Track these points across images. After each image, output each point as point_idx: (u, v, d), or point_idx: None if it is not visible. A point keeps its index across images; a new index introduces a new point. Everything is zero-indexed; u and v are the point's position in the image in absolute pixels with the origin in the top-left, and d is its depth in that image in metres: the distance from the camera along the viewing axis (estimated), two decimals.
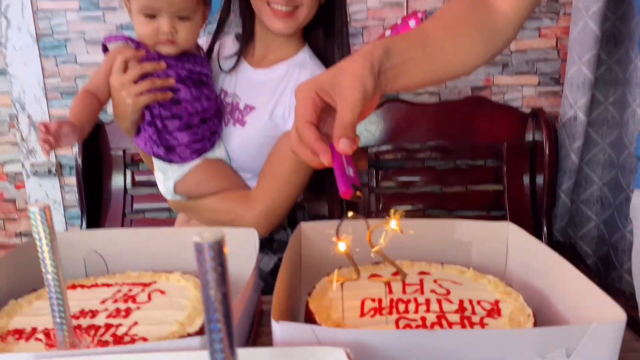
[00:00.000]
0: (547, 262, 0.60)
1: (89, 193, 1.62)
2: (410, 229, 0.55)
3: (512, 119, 1.56)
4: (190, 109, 0.95)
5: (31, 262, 0.67)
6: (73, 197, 1.81)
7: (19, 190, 1.84)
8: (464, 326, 0.51)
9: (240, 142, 1.00)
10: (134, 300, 0.56)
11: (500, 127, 1.56)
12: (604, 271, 1.65)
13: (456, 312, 0.54)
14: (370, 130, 1.58)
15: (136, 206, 1.66)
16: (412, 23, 1.45)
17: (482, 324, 0.52)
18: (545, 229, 1.53)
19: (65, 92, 1.73)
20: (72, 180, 1.79)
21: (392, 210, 0.53)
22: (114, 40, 0.95)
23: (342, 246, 0.49)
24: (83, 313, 0.54)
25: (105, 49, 0.96)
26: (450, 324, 0.51)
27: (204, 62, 1.00)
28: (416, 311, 0.54)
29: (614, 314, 0.44)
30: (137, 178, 1.66)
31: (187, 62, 0.95)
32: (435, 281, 0.61)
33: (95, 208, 1.66)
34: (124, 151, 1.66)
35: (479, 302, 0.56)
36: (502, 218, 1.55)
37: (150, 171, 1.65)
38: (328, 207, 1.56)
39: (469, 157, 1.62)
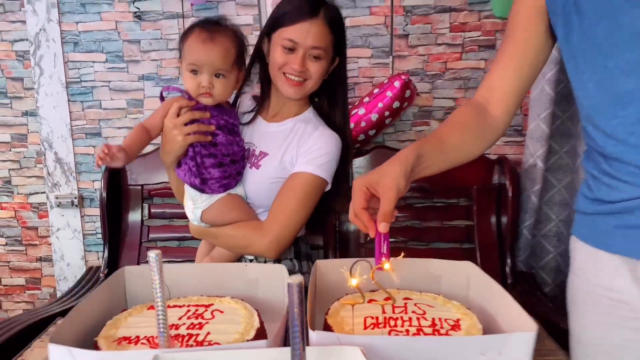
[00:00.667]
0: (495, 292, 0.84)
1: (110, 223, 1.83)
2: (398, 266, 0.78)
3: (481, 165, 1.81)
4: (224, 151, 1.18)
5: (118, 290, 0.89)
6: (91, 226, 2.01)
7: (41, 219, 2.04)
8: (434, 335, 0.74)
9: (255, 181, 1.22)
10: (202, 317, 0.78)
11: (471, 172, 1.81)
12: (560, 297, 1.89)
13: (429, 326, 0.77)
14: (360, 172, 1.83)
15: (151, 236, 1.87)
16: (397, 84, 1.71)
17: (447, 334, 0.75)
18: (509, 260, 1.78)
19: (89, 133, 1.94)
20: (91, 211, 2.00)
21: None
22: (170, 90, 1.21)
23: (354, 282, 0.72)
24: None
25: (162, 98, 1.21)
26: (425, 334, 0.74)
27: (236, 115, 1.24)
28: (402, 325, 0.77)
29: (530, 327, 0.67)
30: (153, 211, 1.87)
31: (224, 114, 1.19)
32: (415, 304, 0.84)
33: (115, 236, 1.87)
34: (142, 187, 1.87)
35: (445, 320, 0.79)
36: (472, 250, 1.79)
37: (164, 205, 1.88)
38: (323, 240, 1.80)
39: (444, 197, 1.86)
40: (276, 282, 0.89)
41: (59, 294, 2.03)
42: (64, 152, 1.94)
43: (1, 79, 1.93)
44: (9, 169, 2.00)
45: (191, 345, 0.70)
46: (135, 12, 1.84)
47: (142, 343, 0.71)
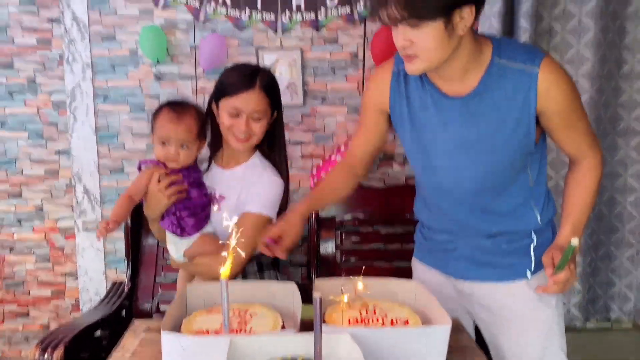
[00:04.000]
0: (432, 302, 1.30)
1: (132, 245, 2.23)
2: (369, 283, 1.24)
3: None
4: (197, 202, 1.51)
5: (190, 302, 1.32)
6: (112, 246, 2.40)
7: (67, 241, 2.41)
8: (392, 327, 1.20)
9: (217, 220, 1.52)
10: (244, 317, 1.21)
11: None
12: None
13: (390, 323, 1.22)
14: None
15: (166, 255, 2.27)
16: (338, 157, 2.16)
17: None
18: None
19: (114, 170, 2.34)
20: (113, 234, 2.38)
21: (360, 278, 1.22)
22: (147, 163, 1.53)
23: (345, 298, 1.17)
24: (222, 325, 1.19)
25: (139, 168, 1.53)
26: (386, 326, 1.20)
27: (199, 169, 1.56)
28: (373, 322, 1.22)
29: (446, 322, 1.14)
30: None
31: (192, 171, 1.52)
32: (381, 309, 1.29)
33: (135, 256, 2.26)
34: None
35: (399, 320, 1.24)
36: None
37: None
38: (307, 259, 2.24)
39: (404, 224, 2.32)
40: (287, 294, 1.33)
41: (81, 303, 2.41)
42: (91, 185, 2.33)
43: (39, 124, 2.31)
44: (42, 198, 2.37)
45: None
46: (156, 74, 2.26)
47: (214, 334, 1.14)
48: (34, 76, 2.28)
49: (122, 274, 2.39)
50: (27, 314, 2.45)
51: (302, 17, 2.19)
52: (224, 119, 1.50)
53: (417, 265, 1.60)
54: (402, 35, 1.17)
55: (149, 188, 1.48)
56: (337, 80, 2.28)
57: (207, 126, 1.55)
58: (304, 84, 2.27)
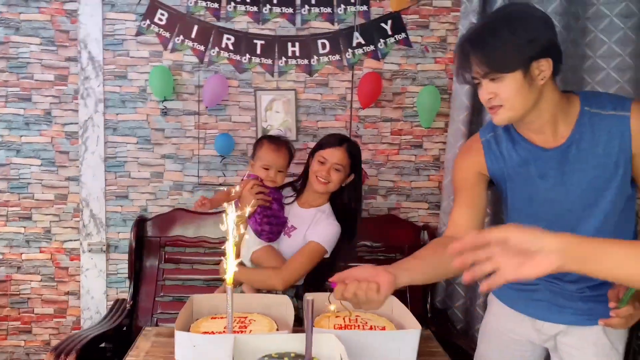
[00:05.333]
0: (406, 314, 1.50)
1: (135, 265, 2.41)
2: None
3: (412, 230, 2.50)
4: (274, 214, 1.91)
5: (189, 308, 1.51)
6: (114, 267, 2.57)
7: (71, 261, 2.58)
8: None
9: (286, 245, 1.92)
10: (244, 322, 1.41)
11: (404, 234, 2.48)
12: (468, 328, 2.57)
13: (369, 328, 1.42)
14: None
15: (165, 276, 2.46)
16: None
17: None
18: (429, 299, 2.46)
19: (119, 196, 2.53)
20: (115, 255, 2.56)
21: None
22: (251, 176, 1.94)
23: (332, 307, 1.37)
24: (225, 328, 1.38)
25: (245, 177, 1.97)
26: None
27: (281, 193, 2.00)
28: (355, 328, 1.42)
29: (417, 326, 1.34)
30: (167, 256, 2.46)
31: (277, 192, 1.96)
32: (362, 319, 1.49)
33: (137, 276, 2.44)
34: (160, 238, 2.47)
35: (377, 327, 1.45)
36: (404, 291, 2.46)
37: (174, 253, 2.47)
38: None
39: (386, 252, 2.53)
40: (280, 305, 1.53)
41: (82, 321, 2.56)
42: (97, 209, 2.52)
43: (51, 152, 2.52)
44: (50, 221, 2.55)
45: None
46: (162, 109, 2.49)
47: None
48: (49, 108, 2.49)
49: (122, 293, 2.55)
50: (30, 331, 2.60)
51: (297, 63, 2.45)
52: (314, 165, 1.92)
53: (495, 302, 1.58)
54: (486, 90, 1.26)
55: (243, 192, 1.90)
56: (327, 119, 2.53)
57: (292, 158, 2.02)
58: (297, 121, 2.51)
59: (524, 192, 1.39)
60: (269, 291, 1.84)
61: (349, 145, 1.93)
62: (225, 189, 2.02)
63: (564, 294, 1.42)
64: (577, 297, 1.41)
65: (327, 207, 1.97)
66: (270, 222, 1.89)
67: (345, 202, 1.98)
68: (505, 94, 1.24)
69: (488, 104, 1.28)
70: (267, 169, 1.92)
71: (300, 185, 2.04)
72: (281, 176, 1.95)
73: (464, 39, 1.28)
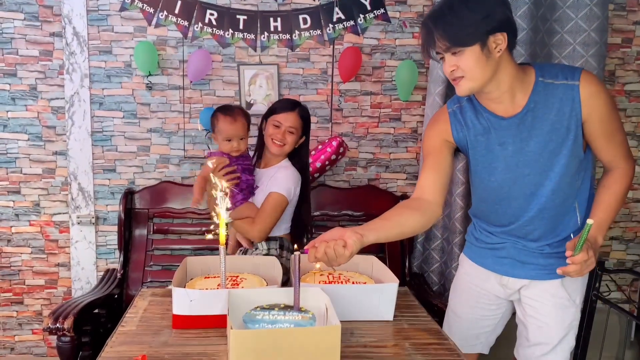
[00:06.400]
0: (385, 271, 1.62)
1: (125, 236, 2.49)
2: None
3: (390, 199, 2.61)
4: (244, 186, 2.00)
5: (183, 269, 1.61)
6: (103, 239, 2.65)
7: (61, 234, 2.65)
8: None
9: (256, 203, 2.03)
10: (235, 280, 1.51)
11: (383, 204, 2.56)
12: (444, 290, 2.72)
13: (352, 283, 1.54)
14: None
15: (154, 246, 2.54)
16: (334, 142, 2.52)
17: None
18: (407, 264, 2.60)
19: (107, 169, 2.60)
20: (103, 227, 2.63)
21: None
22: (214, 154, 2.01)
23: (317, 265, 1.48)
24: (219, 285, 1.48)
25: (207, 157, 2.09)
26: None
27: (250, 158, 2.08)
28: (339, 283, 1.54)
29: (395, 281, 1.46)
30: (156, 227, 2.55)
31: (245, 159, 2.05)
32: (344, 276, 1.61)
33: (127, 246, 2.52)
34: (148, 210, 2.55)
35: (359, 282, 1.56)
36: (384, 257, 2.59)
37: (162, 224, 2.55)
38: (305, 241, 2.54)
39: (365, 220, 2.64)
40: (268, 266, 1.64)
41: (73, 292, 2.64)
42: (85, 183, 2.58)
43: (38, 126, 2.56)
44: (39, 194, 2.60)
45: None
46: (147, 84, 2.54)
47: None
48: (35, 84, 2.52)
49: (112, 264, 2.63)
50: (22, 302, 2.67)
51: (279, 38, 2.52)
52: (269, 129, 2.04)
53: (466, 261, 1.73)
54: (448, 63, 1.37)
55: (215, 174, 1.87)
56: (308, 92, 2.61)
57: (250, 122, 2.08)
58: (280, 95, 2.59)
59: (485, 159, 1.51)
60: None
61: (301, 109, 2.06)
62: (197, 174, 2.10)
63: (527, 252, 1.56)
64: (538, 254, 1.54)
65: (285, 161, 2.09)
66: (242, 190, 2.01)
67: (303, 160, 2.12)
68: (465, 66, 1.35)
69: (451, 76, 1.39)
70: (229, 140, 2.00)
71: (257, 151, 2.16)
72: (244, 142, 2.03)
73: (426, 16, 1.39)
